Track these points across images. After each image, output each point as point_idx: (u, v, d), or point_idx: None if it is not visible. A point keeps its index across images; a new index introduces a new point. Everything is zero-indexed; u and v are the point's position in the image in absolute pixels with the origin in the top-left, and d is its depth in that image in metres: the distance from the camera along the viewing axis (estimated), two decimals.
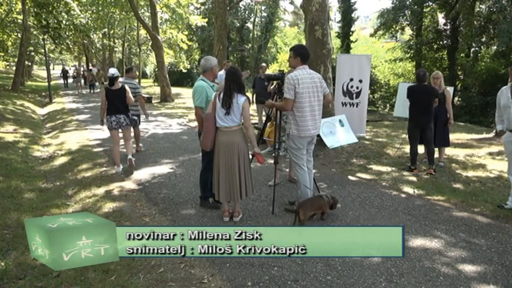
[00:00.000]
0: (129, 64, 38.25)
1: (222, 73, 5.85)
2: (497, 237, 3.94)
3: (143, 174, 6.23)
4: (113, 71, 6.34)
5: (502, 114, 4.63)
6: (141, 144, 7.99)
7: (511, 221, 4.33)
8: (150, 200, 5.05)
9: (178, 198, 5.03)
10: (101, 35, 32.41)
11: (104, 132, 10.23)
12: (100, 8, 23.92)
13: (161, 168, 6.62)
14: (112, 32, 33.24)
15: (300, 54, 4.37)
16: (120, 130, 6.37)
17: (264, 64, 10.83)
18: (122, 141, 6.66)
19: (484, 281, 3.14)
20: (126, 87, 6.38)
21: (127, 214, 4.58)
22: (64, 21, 21.69)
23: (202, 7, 30.31)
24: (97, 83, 24.19)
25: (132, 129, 6.87)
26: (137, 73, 10.84)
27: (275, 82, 5.39)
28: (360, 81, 9.14)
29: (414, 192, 5.47)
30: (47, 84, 21.01)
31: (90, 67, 28.83)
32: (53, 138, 9.90)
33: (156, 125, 11.49)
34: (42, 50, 22.53)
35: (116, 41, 36.15)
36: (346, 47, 22.22)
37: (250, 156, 4.37)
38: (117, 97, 6.17)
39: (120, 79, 6.75)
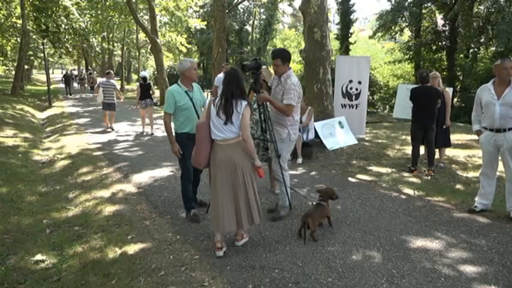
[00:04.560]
0: (128, 68, 38.46)
1: (221, 76, 5.78)
2: (498, 238, 3.94)
3: (143, 177, 6.23)
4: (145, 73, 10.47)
5: (479, 114, 4.59)
6: (111, 124, 11.44)
7: (511, 222, 4.33)
8: (150, 203, 5.04)
9: (179, 201, 5.01)
10: (100, 39, 32.49)
11: (103, 136, 10.26)
12: (99, 12, 23.98)
13: (161, 171, 6.61)
14: (111, 35, 33.35)
15: (288, 59, 4.27)
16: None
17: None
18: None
19: (485, 281, 3.13)
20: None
21: (127, 217, 4.58)
22: (63, 25, 21.71)
23: (201, 10, 30.36)
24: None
25: (111, 112, 11.23)
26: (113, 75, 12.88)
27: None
28: (359, 82, 9.15)
29: (414, 193, 5.47)
30: (46, 88, 21.01)
31: (90, 71, 29.25)
32: (53, 142, 9.89)
33: (156, 128, 11.49)
34: (42, 54, 22.54)
35: (115, 44, 36.24)
36: (345, 49, 22.27)
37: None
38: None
39: (103, 79, 10.49)
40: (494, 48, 18.22)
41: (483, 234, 4.05)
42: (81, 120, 13.49)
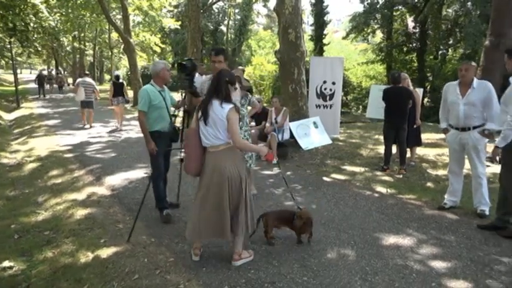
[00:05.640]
0: (100, 68, 37.77)
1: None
2: (466, 234, 4.07)
3: (116, 179, 6.11)
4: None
5: (446, 111, 4.74)
6: (91, 122, 12.04)
7: (478, 217, 4.48)
8: (123, 206, 4.95)
9: (153, 203, 4.94)
10: (70, 38, 31.67)
11: (74, 137, 10.01)
12: (70, 11, 23.33)
13: (135, 172, 6.50)
14: (82, 35, 32.57)
15: (228, 58, 4.15)
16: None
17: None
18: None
19: (454, 276, 3.23)
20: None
21: (100, 220, 4.48)
22: (32, 24, 21.04)
23: (176, 10, 30.06)
24: (65, 85, 25.27)
25: (89, 110, 11.87)
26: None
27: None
28: (333, 83, 9.29)
29: (387, 191, 5.59)
30: (14, 88, 20.31)
31: (59, 70, 28.66)
32: (21, 145, 9.57)
33: (130, 129, 11.31)
34: (9, 54, 21.76)
35: (87, 44, 35.42)
36: (319, 50, 22.49)
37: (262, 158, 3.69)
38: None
39: (82, 79, 12.11)
40: (462, 50, 18.82)
41: (452, 230, 4.18)
42: (51, 122, 13.11)
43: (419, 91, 7.44)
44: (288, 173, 6.57)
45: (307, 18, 29.65)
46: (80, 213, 4.74)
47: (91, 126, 11.86)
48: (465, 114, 4.44)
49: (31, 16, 20.75)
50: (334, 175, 6.48)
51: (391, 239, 3.94)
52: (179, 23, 23.92)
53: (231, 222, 3.24)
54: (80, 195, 5.40)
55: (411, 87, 6.85)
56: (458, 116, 4.51)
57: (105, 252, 3.68)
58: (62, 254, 3.70)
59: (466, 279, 3.17)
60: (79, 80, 12.45)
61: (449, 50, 20.83)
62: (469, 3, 17.33)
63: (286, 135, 7.66)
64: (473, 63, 4.54)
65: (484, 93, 4.37)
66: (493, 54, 8.55)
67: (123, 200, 5.16)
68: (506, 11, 8.72)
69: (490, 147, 6.27)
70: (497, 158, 3.81)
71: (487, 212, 4.51)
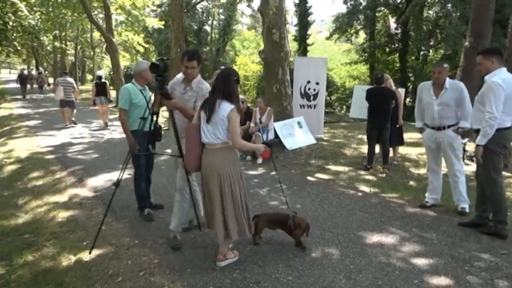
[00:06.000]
0: (82, 67, 37.23)
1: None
2: (447, 231, 4.15)
3: (99, 180, 6.03)
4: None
5: (421, 110, 4.83)
6: (73, 119, 12.18)
7: (459, 215, 4.57)
8: (106, 207, 4.87)
9: (136, 204, 4.90)
10: (51, 37, 31.05)
11: (56, 138, 9.82)
12: (50, 9, 22.83)
13: (118, 174, 6.40)
14: (64, 34, 31.91)
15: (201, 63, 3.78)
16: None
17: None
18: None
19: (435, 273, 3.29)
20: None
21: (82, 223, 4.41)
22: (11, 23, 20.56)
23: (159, 9, 29.75)
24: (46, 85, 25.24)
25: (71, 109, 11.96)
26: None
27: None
28: (317, 83, 9.35)
29: (370, 190, 5.66)
30: None
31: (41, 70, 28.18)
32: (0, 146, 9.35)
33: (113, 130, 11.17)
34: None
35: (68, 43, 34.74)
36: (303, 50, 22.61)
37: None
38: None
39: (61, 78, 12.21)
40: (442, 51, 19.17)
41: (433, 228, 4.25)
42: (32, 123, 12.84)
43: (401, 91, 7.55)
44: (273, 173, 6.58)
45: (291, 19, 29.80)
46: (62, 215, 4.66)
47: (75, 123, 12.09)
48: (439, 114, 4.56)
49: (10, 15, 20.28)
50: (318, 175, 6.52)
51: (374, 238, 3.99)
52: (163, 22, 23.67)
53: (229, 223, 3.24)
54: (62, 197, 5.31)
55: (394, 88, 6.96)
56: (433, 116, 4.63)
57: (87, 255, 3.63)
58: (43, 258, 3.63)
59: (447, 276, 3.23)
60: (59, 78, 12.46)
61: (431, 51, 21.21)
62: (449, 5, 17.67)
63: (271, 135, 7.68)
64: (446, 65, 4.65)
65: (456, 93, 4.50)
66: (472, 55, 8.70)
67: (106, 202, 5.04)
68: (485, 13, 8.92)
69: (471, 147, 6.42)
70: (479, 157, 3.89)
71: (467, 210, 4.61)
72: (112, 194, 3.81)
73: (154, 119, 3.99)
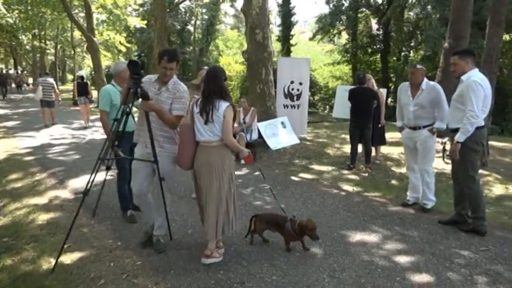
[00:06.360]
0: (63, 67, 36.55)
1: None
2: (428, 229, 4.23)
3: (80, 182, 5.92)
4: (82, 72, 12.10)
5: (401, 110, 4.93)
6: (53, 119, 12.15)
7: (439, 213, 4.67)
8: (88, 209, 4.80)
9: (119, 206, 4.83)
10: (30, 36, 30.38)
11: (35, 139, 9.62)
12: (29, 7, 22.33)
13: (100, 175, 6.23)
14: (43, 33, 31.25)
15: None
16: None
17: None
18: None
19: (417, 270, 3.34)
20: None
21: (63, 225, 4.32)
22: None
23: (141, 8, 29.47)
24: (25, 85, 24.80)
25: (51, 109, 11.96)
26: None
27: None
28: (300, 83, 9.39)
29: (353, 189, 5.72)
30: None
31: (20, 70, 27.66)
32: None
33: (94, 131, 11.00)
34: None
35: (48, 42, 34.02)
36: (286, 50, 22.70)
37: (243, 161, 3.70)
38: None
39: (41, 78, 12.30)
40: (423, 52, 19.53)
41: (415, 225, 4.33)
42: (10, 123, 12.55)
43: (383, 91, 7.66)
44: (257, 173, 6.57)
45: (275, 19, 29.91)
46: (42, 218, 4.56)
47: (54, 123, 12.04)
48: (415, 115, 4.66)
49: None
50: (302, 174, 6.56)
51: (357, 236, 4.04)
52: (145, 22, 23.47)
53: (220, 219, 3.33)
54: (42, 200, 5.20)
55: (376, 88, 7.05)
56: (409, 116, 4.74)
57: (68, 258, 3.56)
58: (23, 261, 3.54)
59: (428, 273, 3.29)
60: (39, 79, 12.41)
61: (411, 52, 21.58)
62: (429, 7, 18.02)
63: (255, 136, 7.68)
64: (419, 66, 4.74)
65: (432, 94, 4.59)
66: (451, 56, 8.90)
67: (87, 204, 4.98)
68: (464, 16, 9.12)
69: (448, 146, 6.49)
70: (457, 153, 3.98)
71: (428, 206, 4.74)
72: (80, 203, 3.64)
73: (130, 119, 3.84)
